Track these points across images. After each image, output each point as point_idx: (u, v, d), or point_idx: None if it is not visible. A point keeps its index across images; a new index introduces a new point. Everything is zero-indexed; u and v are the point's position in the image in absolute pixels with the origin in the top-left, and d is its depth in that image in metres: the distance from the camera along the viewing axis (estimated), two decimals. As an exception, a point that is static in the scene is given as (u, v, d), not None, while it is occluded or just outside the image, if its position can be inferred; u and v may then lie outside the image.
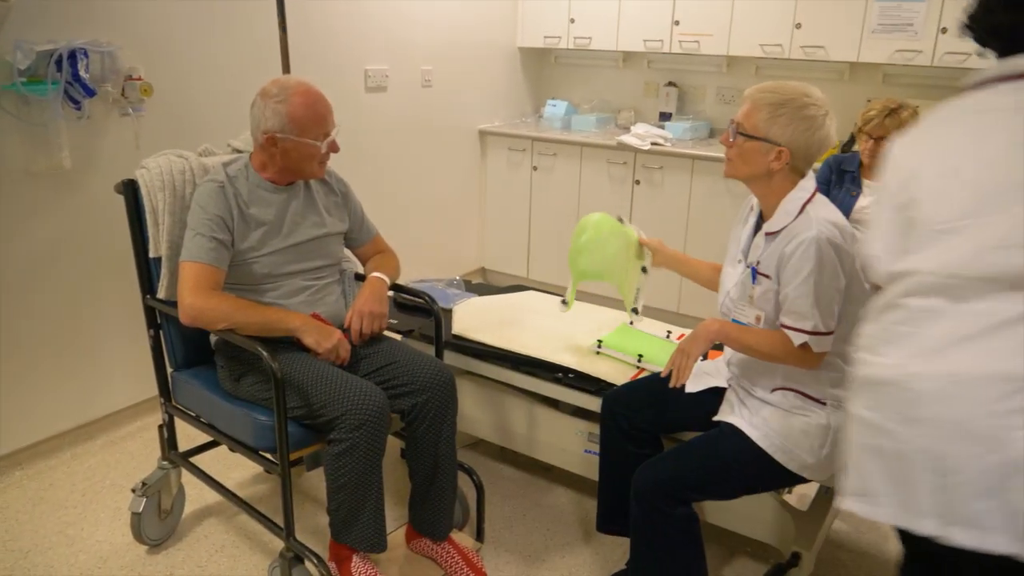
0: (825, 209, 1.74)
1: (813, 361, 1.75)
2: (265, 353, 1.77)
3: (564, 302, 2.26)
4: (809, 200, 1.74)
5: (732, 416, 1.87)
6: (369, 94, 3.69)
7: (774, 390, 1.84)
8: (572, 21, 4.33)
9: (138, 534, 2.21)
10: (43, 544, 2.27)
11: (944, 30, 3.27)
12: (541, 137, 4.26)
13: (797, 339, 1.71)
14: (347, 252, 2.32)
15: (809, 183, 1.76)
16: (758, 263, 1.79)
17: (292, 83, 1.96)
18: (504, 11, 4.43)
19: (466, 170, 4.47)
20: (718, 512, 2.16)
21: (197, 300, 1.87)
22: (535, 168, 4.33)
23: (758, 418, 1.82)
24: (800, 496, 2.49)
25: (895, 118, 2.93)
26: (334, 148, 2.02)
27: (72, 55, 2.37)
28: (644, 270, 2.25)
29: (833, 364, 1.78)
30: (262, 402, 1.94)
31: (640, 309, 2.28)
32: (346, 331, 2.06)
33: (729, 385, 1.97)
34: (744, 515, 2.13)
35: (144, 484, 2.19)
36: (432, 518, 2.08)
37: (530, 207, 4.43)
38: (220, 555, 2.25)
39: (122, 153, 2.66)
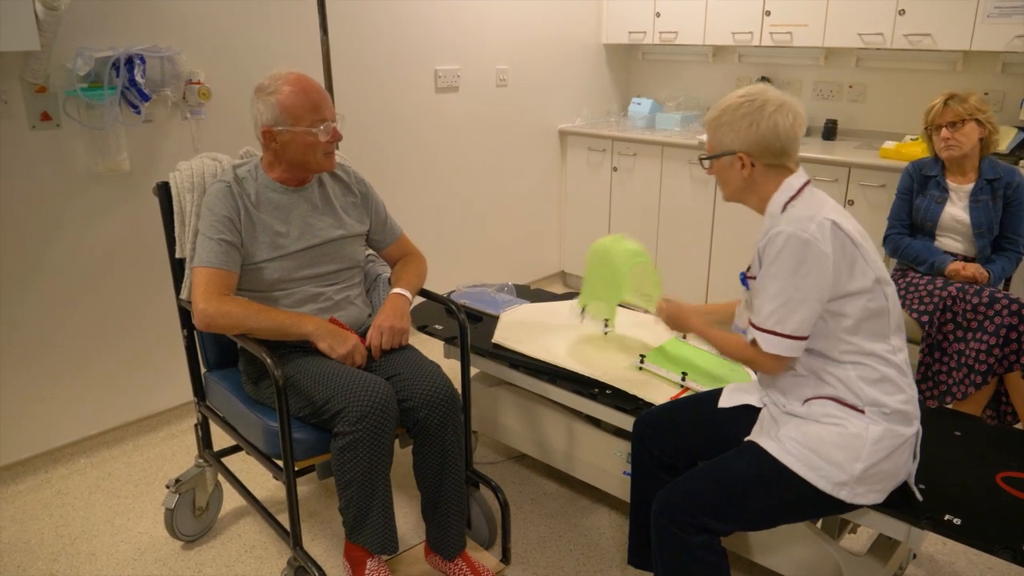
0: (810, 204, 1.61)
1: (773, 365, 1.63)
2: (269, 360, 1.74)
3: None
4: (793, 198, 1.63)
5: (757, 435, 1.71)
6: (440, 94, 3.65)
7: (806, 401, 1.65)
8: (658, 15, 4.13)
9: (171, 529, 2.25)
10: (91, 532, 2.36)
11: (1072, 11, 2.86)
12: (621, 137, 4.08)
13: (749, 334, 1.64)
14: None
15: (796, 180, 1.65)
16: (748, 268, 1.74)
17: (283, 74, 1.92)
18: (587, 7, 4.28)
19: (545, 171, 4.36)
20: (762, 551, 1.97)
21: (209, 306, 1.86)
22: (615, 169, 4.16)
23: (783, 431, 1.65)
24: (857, 539, 2.23)
25: (960, 99, 2.58)
26: (336, 136, 1.96)
27: (129, 61, 2.44)
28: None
29: (865, 364, 1.60)
30: (275, 407, 1.91)
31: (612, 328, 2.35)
32: (363, 336, 2.02)
33: (763, 404, 1.78)
34: (788, 555, 1.92)
35: (178, 481, 2.23)
36: (441, 536, 2.00)
37: (610, 209, 4.26)
38: (249, 556, 2.26)
39: (181, 155, 2.72)
